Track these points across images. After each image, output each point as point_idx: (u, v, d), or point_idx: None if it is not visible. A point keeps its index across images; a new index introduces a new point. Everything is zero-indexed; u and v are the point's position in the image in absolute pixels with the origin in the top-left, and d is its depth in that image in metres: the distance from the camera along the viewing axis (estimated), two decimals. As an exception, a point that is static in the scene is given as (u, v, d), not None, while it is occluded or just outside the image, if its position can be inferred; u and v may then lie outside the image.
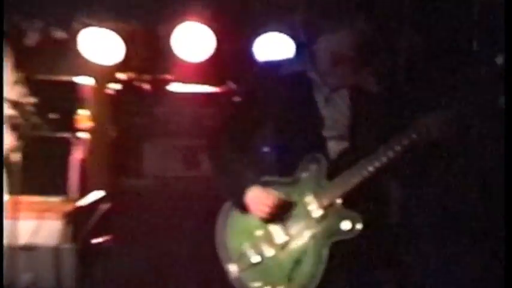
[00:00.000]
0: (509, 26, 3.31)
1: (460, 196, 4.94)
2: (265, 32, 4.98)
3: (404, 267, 4.03)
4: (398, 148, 3.18)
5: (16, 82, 4.56)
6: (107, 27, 4.86)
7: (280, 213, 3.32)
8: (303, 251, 3.30)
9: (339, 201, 3.25)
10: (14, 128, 4.20)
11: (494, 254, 4.62)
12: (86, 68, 4.96)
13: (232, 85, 5.06)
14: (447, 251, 4.90)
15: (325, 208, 3.27)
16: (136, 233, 4.85)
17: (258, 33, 4.98)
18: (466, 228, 4.89)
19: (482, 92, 3.22)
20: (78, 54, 4.89)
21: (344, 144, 3.30)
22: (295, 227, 3.32)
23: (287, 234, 3.31)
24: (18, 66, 4.60)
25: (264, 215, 3.30)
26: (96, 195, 4.70)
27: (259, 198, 3.31)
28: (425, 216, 4.86)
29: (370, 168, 3.22)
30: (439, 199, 4.90)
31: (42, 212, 4.29)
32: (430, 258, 4.97)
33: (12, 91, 4.48)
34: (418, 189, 4.66)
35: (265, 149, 3.64)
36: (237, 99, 4.39)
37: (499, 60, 3.16)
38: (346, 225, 3.22)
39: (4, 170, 4.34)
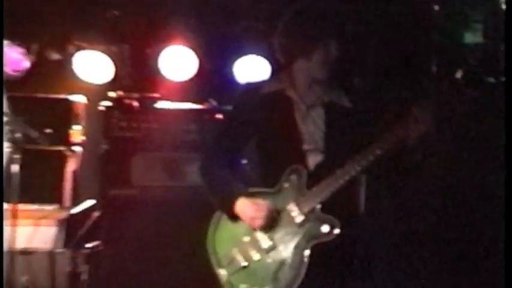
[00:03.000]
0: (509, 27, 3.34)
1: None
2: (245, 54, 5.13)
3: (374, 264, 4.26)
4: (371, 158, 3.35)
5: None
6: (98, 50, 4.99)
7: (269, 221, 3.47)
8: (286, 254, 3.42)
9: (318, 207, 3.39)
10: (12, 141, 4.12)
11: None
12: (79, 86, 5.08)
13: (214, 103, 5.11)
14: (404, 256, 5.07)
15: (306, 214, 3.40)
16: (125, 238, 4.85)
17: (237, 56, 5.14)
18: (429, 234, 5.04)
19: (443, 105, 3.37)
20: (72, 74, 5.00)
21: (321, 157, 3.45)
22: (279, 232, 3.44)
23: (272, 239, 3.43)
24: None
25: (255, 225, 3.45)
26: (88, 203, 4.73)
27: (249, 209, 3.46)
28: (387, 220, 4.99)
29: (346, 177, 3.38)
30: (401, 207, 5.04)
31: (38, 219, 4.27)
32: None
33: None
34: (386, 196, 4.83)
35: (251, 163, 3.80)
36: (218, 116, 4.97)
37: (459, 74, 3.31)
38: (325, 228, 3.35)
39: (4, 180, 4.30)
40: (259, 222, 3.42)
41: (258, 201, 3.47)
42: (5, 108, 4.28)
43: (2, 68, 4.47)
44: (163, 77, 5.11)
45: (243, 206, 3.46)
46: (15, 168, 4.15)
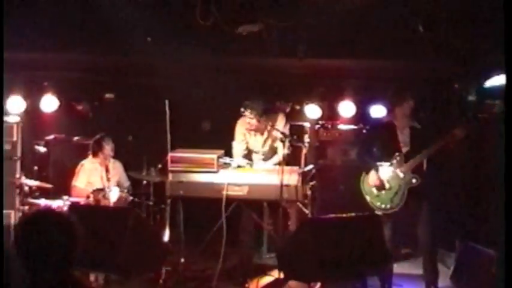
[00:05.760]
0: (509, 27, 3.05)
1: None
2: (374, 104, 7.10)
3: (430, 194, 5.21)
4: (432, 151, 5.11)
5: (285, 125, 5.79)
6: (314, 104, 7.21)
7: (382, 183, 5.18)
8: (397, 190, 5.35)
9: (410, 171, 5.35)
10: (283, 142, 5.42)
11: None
12: (307, 119, 7.11)
13: (361, 125, 7.11)
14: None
15: (404, 173, 5.36)
16: (326, 181, 7.02)
17: (371, 105, 7.07)
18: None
19: (474, 128, 4.93)
20: (304, 115, 7.19)
21: (408, 148, 5.41)
22: (392, 181, 5.37)
23: (389, 184, 5.42)
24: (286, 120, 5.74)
25: (375, 186, 5.23)
26: (310, 166, 5.91)
27: (374, 178, 5.34)
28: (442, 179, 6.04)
29: (422, 158, 5.22)
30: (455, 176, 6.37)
31: (291, 172, 5.39)
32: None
33: (282, 129, 5.65)
34: (440, 169, 5.79)
35: (378, 151, 5.51)
36: (364, 131, 6.77)
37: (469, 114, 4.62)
38: (413, 180, 5.37)
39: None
40: (376, 184, 5.29)
41: (378, 174, 5.24)
42: (286, 129, 5.68)
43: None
44: (340, 115, 7.24)
45: (371, 175, 5.28)
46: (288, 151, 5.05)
